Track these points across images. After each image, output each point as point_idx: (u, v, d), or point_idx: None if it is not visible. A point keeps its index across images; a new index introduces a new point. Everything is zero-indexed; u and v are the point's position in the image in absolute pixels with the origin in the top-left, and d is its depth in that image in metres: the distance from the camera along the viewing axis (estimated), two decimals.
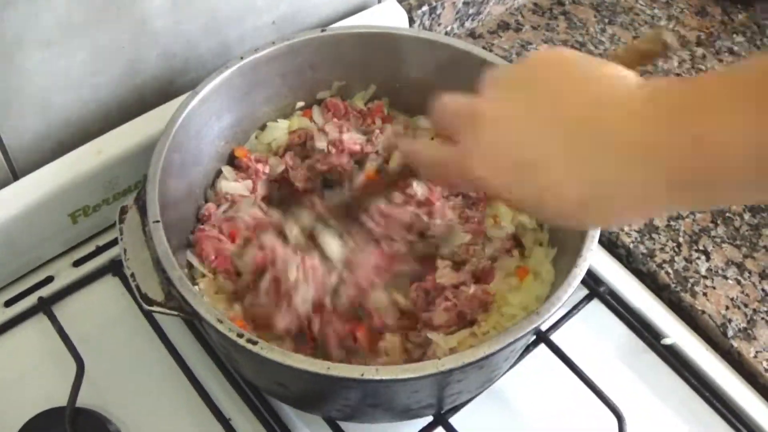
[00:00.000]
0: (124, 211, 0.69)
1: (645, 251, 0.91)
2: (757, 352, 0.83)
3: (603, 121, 0.47)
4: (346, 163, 0.81)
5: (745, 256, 0.92)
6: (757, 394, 0.80)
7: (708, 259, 0.91)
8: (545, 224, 0.79)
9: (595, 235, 0.66)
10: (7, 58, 0.72)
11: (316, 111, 0.87)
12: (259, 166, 0.81)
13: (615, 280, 0.87)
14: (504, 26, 1.19)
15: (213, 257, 0.74)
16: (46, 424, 0.71)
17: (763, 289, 0.89)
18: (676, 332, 0.84)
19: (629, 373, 0.82)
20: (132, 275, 0.65)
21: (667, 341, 0.83)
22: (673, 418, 0.79)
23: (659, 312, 0.86)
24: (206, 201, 0.80)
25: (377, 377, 0.57)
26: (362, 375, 0.57)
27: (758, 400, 0.80)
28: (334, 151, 0.81)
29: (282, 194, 0.82)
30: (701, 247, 0.92)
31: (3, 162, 0.79)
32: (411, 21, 1.05)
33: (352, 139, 0.81)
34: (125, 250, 0.67)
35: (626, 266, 0.90)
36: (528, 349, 0.79)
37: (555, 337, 0.79)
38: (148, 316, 0.79)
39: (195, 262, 0.74)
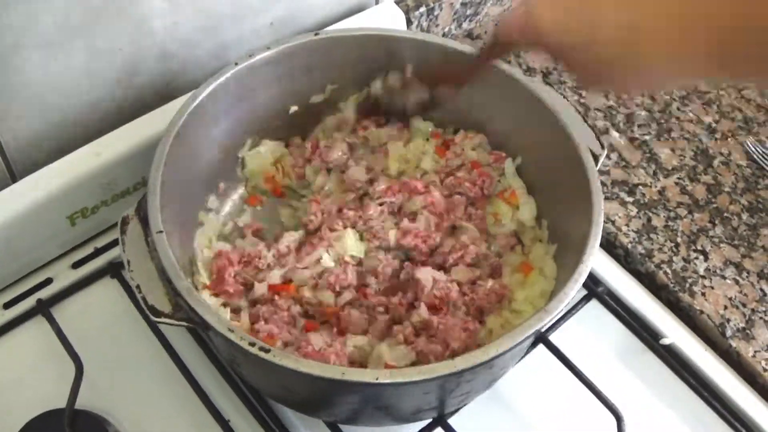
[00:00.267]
0: (125, 222, 0.69)
1: (643, 251, 0.91)
2: (755, 351, 0.83)
3: None
4: None
5: (744, 256, 0.92)
6: (755, 393, 0.81)
7: (706, 259, 0.91)
8: (543, 221, 0.80)
9: (598, 230, 0.67)
10: (6, 59, 0.72)
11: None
12: None
13: (613, 280, 0.88)
14: None
15: (216, 276, 0.74)
16: (45, 426, 0.71)
17: (761, 289, 0.89)
18: (674, 332, 0.84)
19: (628, 373, 0.82)
20: (137, 287, 0.65)
21: (665, 341, 0.83)
22: (672, 417, 0.79)
23: (658, 312, 0.86)
24: (206, 206, 0.81)
25: (391, 380, 0.57)
26: (377, 379, 0.57)
27: (757, 399, 0.80)
28: None
29: None
30: (699, 247, 0.92)
31: (1, 163, 0.79)
32: (409, 22, 1.05)
33: None
34: (129, 262, 0.66)
35: (624, 266, 0.90)
36: (527, 349, 0.79)
37: (553, 338, 0.79)
38: (147, 318, 0.79)
39: (204, 274, 0.75)
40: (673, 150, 1.03)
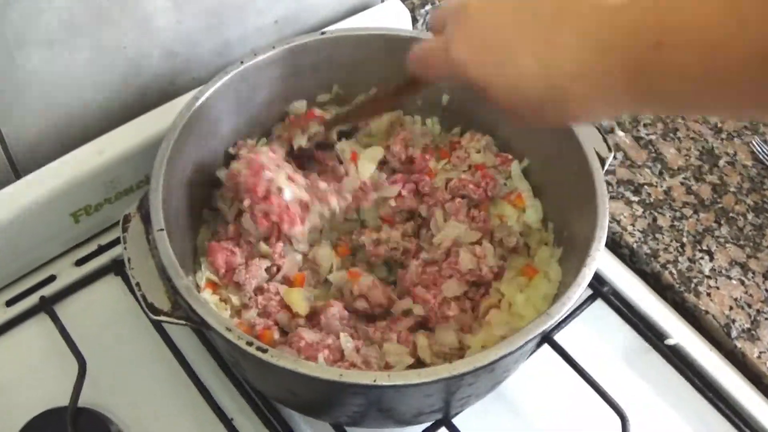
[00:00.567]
0: (127, 219, 0.69)
1: (648, 251, 0.91)
2: (760, 352, 0.83)
3: (576, 12, 0.49)
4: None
5: (749, 257, 0.92)
6: (760, 394, 0.80)
7: (712, 259, 0.91)
8: (549, 224, 0.79)
9: (602, 235, 0.66)
10: (10, 57, 0.72)
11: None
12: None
13: (618, 280, 0.87)
14: None
15: (223, 270, 0.74)
16: (47, 424, 0.71)
17: (767, 290, 0.89)
18: (679, 333, 0.84)
19: (632, 374, 0.82)
20: (137, 285, 0.65)
21: (670, 342, 0.83)
22: (677, 418, 0.79)
23: (663, 312, 0.85)
24: (210, 204, 0.80)
25: (389, 383, 0.57)
26: (374, 381, 0.57)
27: (762, 400, 0.80)
28: None
29: None
30: (705, 248, 0.92)
31: (5, 161, 0.79)
32: (414, 20, 1.04)
33: None
34: (129, 259, 0.66)
35: (630, 266, 0.90)
36: (531, 351, 0.79)
37: (558, 338, 0.79)
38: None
39: (208, 271, 0.74)
40: (678, 150, 1.03)
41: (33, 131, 0.79)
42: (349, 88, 0.87)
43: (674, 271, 0.89)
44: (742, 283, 0.89)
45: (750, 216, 0.96)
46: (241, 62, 0.78)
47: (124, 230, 0.68)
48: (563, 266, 0.74)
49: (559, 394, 0.78)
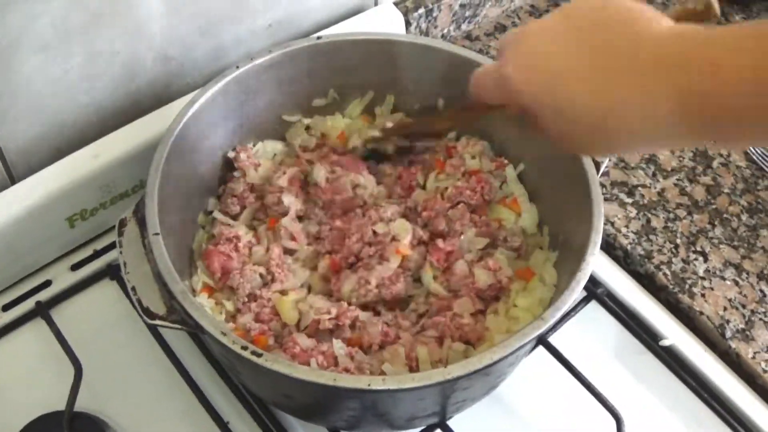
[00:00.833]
0: (122, 223, 0.69)
1: (642, 252, 0.91)
2: (755, 353, 0.83)
3: (631, 43, 0.51)
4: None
5: (743, 257, 0.92)
6: (755, 395, 0.80)
7: (706, 260, 0.91)
8: (544, 228, 0.79)
9: (597, 239, 0.66)
10: (4, 62, 0.72)
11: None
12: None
13: (613, 281, 0.87)
14: (500, 28, 1.19)
15: (219, 274, 0.74)
16: (44, 429, 0.71)
17: (761, 290, 0.89)
18: (674, 333, 0.84)
19: (627, 375, 0.82)
20: (133, 289, 0.65)
21: (665, 342, 0.83)
22: (672, 419, 0.79)
23: (657, 313, 0.86)
24: (206, 209, 0.81)
25: (384, 387, 0.57)
26: (369, 385, 0.57)
27: (757, 401, 0.80)
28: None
29: None
30: (699, 248, 0.92)
31: (0, 166, 0.79)
32: (407, 24, 1.05)
33: None
34: (125, 264, 0.66)
35: (624, 268, 0.90)
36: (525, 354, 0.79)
37: (553, 339, 0.79)
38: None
39: (205, 274, 0.75)
40: (672, 151, 1.03)
41: (28, 136, 0.79)
42: (345, 93, 0.87)
43: (668, 272, 0.89)
44: (737, 283, 0.89)
45: (744, 217, 0.97)
46: (237, 66, 0.78)
47: (120, 234, 0.68)
48: (559, 270, 0.74)
49: (554, 395, 0.78)
